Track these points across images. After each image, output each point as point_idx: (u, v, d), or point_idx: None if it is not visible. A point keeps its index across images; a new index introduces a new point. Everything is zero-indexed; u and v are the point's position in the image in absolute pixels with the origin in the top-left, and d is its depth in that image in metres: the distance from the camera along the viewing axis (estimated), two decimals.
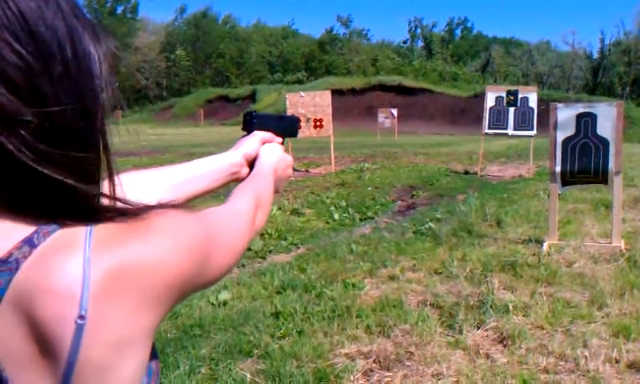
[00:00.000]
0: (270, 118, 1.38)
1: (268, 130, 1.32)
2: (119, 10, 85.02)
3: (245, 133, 1.32)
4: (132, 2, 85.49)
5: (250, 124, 1.32)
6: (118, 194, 0.70)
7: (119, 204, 0.69)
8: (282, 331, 4.04)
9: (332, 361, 3.60)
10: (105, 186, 0.70)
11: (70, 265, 0.59)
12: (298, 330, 4.06)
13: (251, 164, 1.26)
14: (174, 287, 0.66)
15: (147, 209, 0.69)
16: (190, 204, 0.79)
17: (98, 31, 0.69)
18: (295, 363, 3.55)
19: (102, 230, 0.63)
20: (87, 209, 0.66)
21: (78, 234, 0.62)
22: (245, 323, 4.21)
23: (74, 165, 0.64)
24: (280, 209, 8.96)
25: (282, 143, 1.36)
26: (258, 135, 1.30)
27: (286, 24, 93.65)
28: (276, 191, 1.22)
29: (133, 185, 0.80)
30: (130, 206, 0.69)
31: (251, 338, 3.91)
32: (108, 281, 0.60)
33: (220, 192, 1.31)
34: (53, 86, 0.62)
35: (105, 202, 0.69)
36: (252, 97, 58.85)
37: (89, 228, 0.63)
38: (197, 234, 0.72)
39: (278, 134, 1.35)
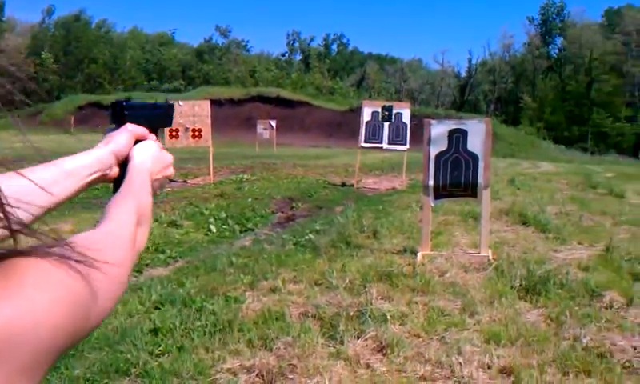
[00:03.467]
0: (143, 107, 1.22)
1: (140, 122, 1.17)
2: None
3: (113, 126, 1.15)
4: None
5: (121, 115, 1.15)
6: None
7: None
8: (161, 348, 3.90)
9: (214, 377, 3.53)
10: None
11: None
12: (178, 346, 3.95)
13: (121, 163, 1.11)
14: (55, 349, 0.55)
15: (12, 253, 0.55)
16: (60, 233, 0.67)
17: None
18: (176, 381, 3.45)
19: None
20: None
21: None
22: (121, 341, 4.02)
23: None
24: (157, 221, 8.71)
25: (156, 135, 1.21)
26: (130, 129, 1.14)
27: (164, 31, 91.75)
28: (153, 193, 1.09)
29: None
30: None
31: (128, 356, 3.75)
32: None
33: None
34: None
35: None
36: None
37: None
38: (77, 278, 0.60)
39: (151, 125, 1.20)
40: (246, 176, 16.21)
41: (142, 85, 74.50)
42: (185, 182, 14.81)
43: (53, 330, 0.54)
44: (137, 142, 1.15)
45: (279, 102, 53.95)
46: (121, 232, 0.82)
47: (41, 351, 0.53)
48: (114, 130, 1.15)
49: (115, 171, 1.10)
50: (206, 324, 4.31)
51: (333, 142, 44.98)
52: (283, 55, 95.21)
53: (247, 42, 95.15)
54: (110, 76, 77.66)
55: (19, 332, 0.50)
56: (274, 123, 34.33)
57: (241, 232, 8.48)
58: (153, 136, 1.19)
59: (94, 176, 1.06)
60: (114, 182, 1.11)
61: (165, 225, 8.55)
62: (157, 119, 1.25)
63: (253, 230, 8.69)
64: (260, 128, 34.32)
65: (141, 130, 1.16)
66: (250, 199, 11.64)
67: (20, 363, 0.51)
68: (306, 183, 15.00)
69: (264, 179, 15.69)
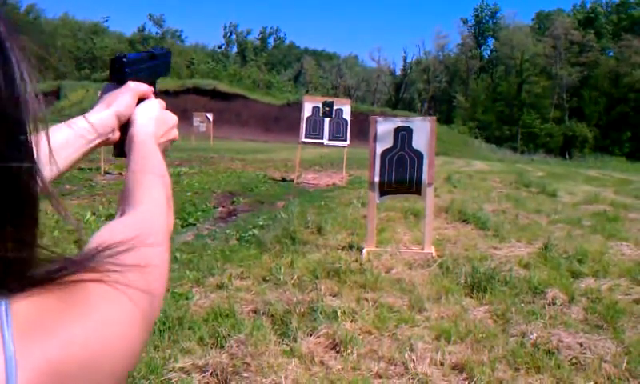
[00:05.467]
0: (142, 60, 1.15)
1: (141, 78, 1.11)
2: None
3: (114, 83, 1.09)
4: None
5: (121, 73, 1.08)
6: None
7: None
8: None
9: (166, 376, 3.43)
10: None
11: None
12: None
13: (123, 126, 1.05)
14: (128, 369, 0.50)
15: (74, 266, 0.49)
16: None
17: (12, 25, 0.51)
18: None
19: (23, 307, 0.44)
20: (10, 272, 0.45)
21: None
22: None
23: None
24: (94, 214, 8.46)
25: (155, 86, 1.16)
26: (132, 88, 1.07)
27: (98, 20, 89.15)
28: None
29: None
30: (51, 266, 0.47)
31: None
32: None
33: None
34: None
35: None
36: (57, 93, 55.26)
37: (2, 306, 0.43)
38: (143, 287, 0.54)
39: (151, 78, 1.15)
40: (183, 169, 15.93)
41: (72, 74, 72.32)
42: (120, 174, 14.41)
43: (127, 350, 0.50)
44: (139, 101, 1.09)
45: (215, 94, 53.30)
46: (155, 217, 0.75)
47: (118, 376, 0.48)
48: (113, 87, 1.09)
49: (117, 136, 1.05)
50: (155, 322, 4.18)
51: (270, 136, 44.82)
52: (220, 47, 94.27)
53: (182, 31, 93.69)
54: (40, 64, 75.07)
55: (93, 356, 0.46)
56: (210, 116, 33.87)
57: (182, 227, 8.31)
58: (154, 97, 1.14)
59: (98, 137, 1.01)
60: (114, 145, 1.07)
61: (103, 218, 8.28)
62: (156, 71, 1.20)
63: (194, 224, 8.53)
64: (196, 121, 33.78)
65: (144, 88, 1.10)
66: (189, 193, 11.45)
67: None
68: (245, 177, 14.86)
69: (202, 173, 15.45)
